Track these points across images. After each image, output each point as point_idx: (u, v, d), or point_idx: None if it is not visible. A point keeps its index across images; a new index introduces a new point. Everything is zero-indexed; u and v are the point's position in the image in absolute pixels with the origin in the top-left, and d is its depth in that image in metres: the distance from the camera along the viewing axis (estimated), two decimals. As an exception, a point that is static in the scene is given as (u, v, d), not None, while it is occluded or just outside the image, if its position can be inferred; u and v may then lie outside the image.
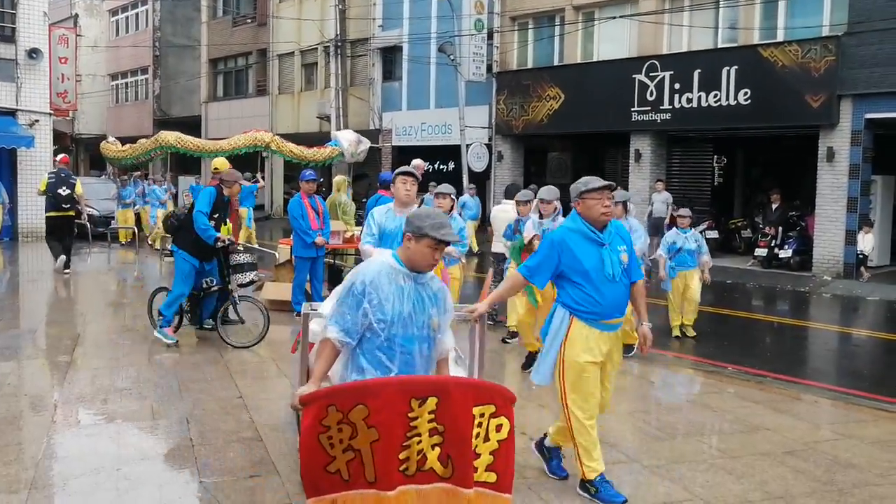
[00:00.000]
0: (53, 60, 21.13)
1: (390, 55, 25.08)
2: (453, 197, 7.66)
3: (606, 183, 4.40)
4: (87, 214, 19.00)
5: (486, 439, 3.16)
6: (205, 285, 8.16)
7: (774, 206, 16.33)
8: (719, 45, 16.74)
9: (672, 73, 16.96)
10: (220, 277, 8.14)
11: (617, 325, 4.37)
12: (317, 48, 27.55)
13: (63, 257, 13.23)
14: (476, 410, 3.12)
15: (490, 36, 20.79)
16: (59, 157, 14.98)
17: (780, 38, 15.66)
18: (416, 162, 14.15)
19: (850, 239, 14.77)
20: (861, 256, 14.66)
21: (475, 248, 16.87)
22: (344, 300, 3.37)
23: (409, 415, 3.04)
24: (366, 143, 13.82)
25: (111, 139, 14.92)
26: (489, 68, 20.82)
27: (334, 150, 13.58)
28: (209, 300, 8.31)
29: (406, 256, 3.40)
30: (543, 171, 21.97)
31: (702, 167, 20.24)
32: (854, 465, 4.98)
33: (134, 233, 17.97)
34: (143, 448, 5.02)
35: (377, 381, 3.17)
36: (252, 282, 8.20)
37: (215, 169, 8.99)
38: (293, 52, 29.06)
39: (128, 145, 14.19)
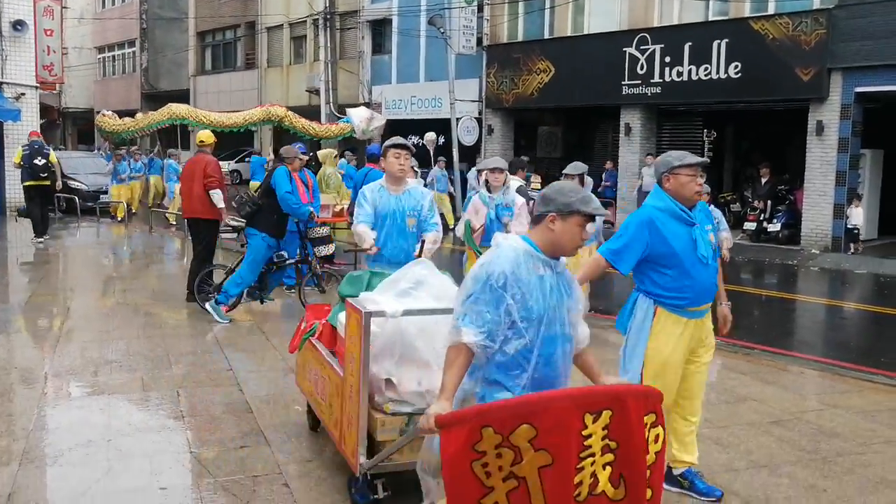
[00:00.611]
0: (38, 32, 20.80)
1: (380, 28, 24.84)
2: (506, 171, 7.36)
3: (702, 159, 4.05)
4: (75, 189, 18.97)
5: (646, 451, 2.78)
6: (276, 259, 8.25)
7: (764, 180, 16.38)
8: (710, 18, 16.65)
9: (662, 46, 16.88)
10: (295, 252, 8.61)
11: (706, 310, 4.00)
12: (306, 21, 27.25)
13: (39, 227, 13.41)
14: (646, 420, 2.76)
15: (480, 9, 20.60)
16: (30, 131, 15.17)
17: (770, 10, 15.59)
18: (430, 136, 14.15)
19: (839, 213, 14.85)
20: (855, 231, 14.75)
21: (451, 223, 16.86)
22: (479, 296, 2.81)
23: (583, 432, 2.63)
24: (379, 120, 13.71)
25: (108, 112, 14.79)
26: (479, 41, 20.66)
27: (346, 126, 13.54)
28: (276, 275, 8.42)
29: (548, 240, 2.89)
30: (534, 144, 21.91)
31: (692, 141, 20.18)
32: (838, 434, 5.06)
33: (128, 208, 17.89)
34: (134, 420, 5.04)
35: (545, 396, 2.69)
36: (332, 254, 8.65)
37: (200, 142, 8.92)
38: (282, 25, 28.74)
39: (127, 118, 14.03)
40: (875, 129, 15.30)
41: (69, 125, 42.03)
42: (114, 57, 38.76)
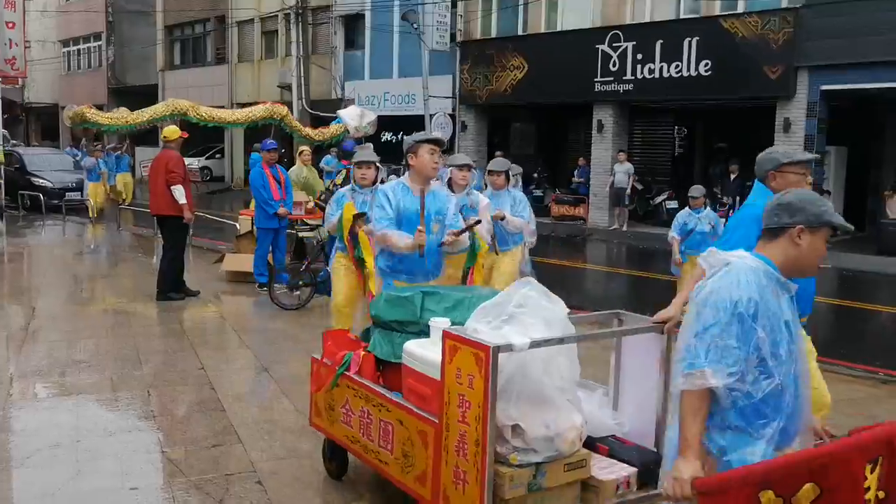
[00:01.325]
0: (0, 25, 20.39)
1: (353, 23, 24.70)
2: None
3: (812, 155, 3.77)
4: (40, 186, 18.65)
5: None
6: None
7: (733, 177, 16.60)
8: (681, 16, 16.82)
9: (635, 43, 17.02)
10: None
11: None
12: (277, 15, 27.00)
13: None
14: None
15: (454, 4, 20.59)
16: None
17: (740, 9, 15.79)
18: (438, 133, 14.07)
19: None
20: None
21: None
22: (725, 328, 2.32)
23: (865, 485, 2.30)
24: (370, 115, 13.56)
25: (88, 108, 14.13)
26: (453, 37, 20.65)
27: (339, 127, 13.46)
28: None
29: (792, 257, 2.45)
30: (507, 141, 21.97)
31: (663, 138, 20.45)
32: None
33: (97, 207, 17.63)
34: (103, 420, 4.97)
35: (829, 450, 2.33)
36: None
37: (164, 137, 8.82)
38: (253, 20, 28.44)
39: (122, 110, 13.54)
40: (839, 126, 15.58)
41: (33, 121, 41.25)
42: (79, 51, 38.08)
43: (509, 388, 3.06)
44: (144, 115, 12.78)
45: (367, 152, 6.21)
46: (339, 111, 14.27)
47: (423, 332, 3.58)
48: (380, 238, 4.59)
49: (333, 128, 13.47)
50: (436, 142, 4.66)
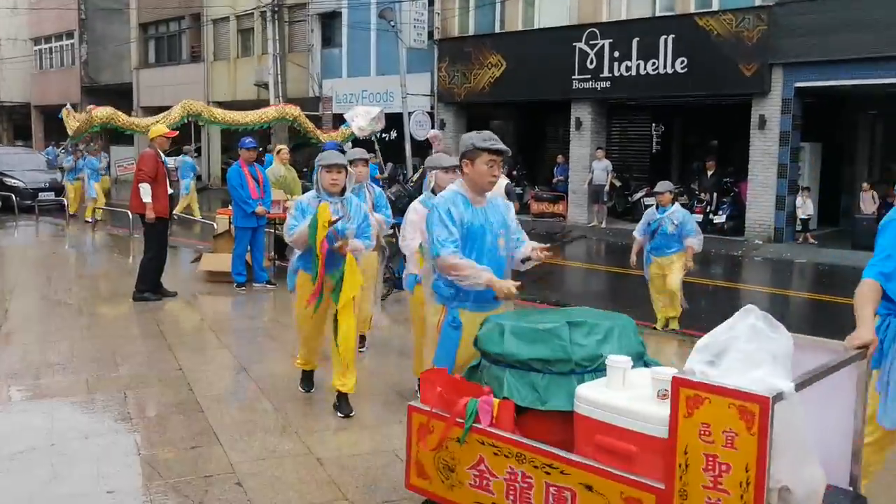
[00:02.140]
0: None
1: (329, 21, 24.57)
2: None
3: None
4: (12, 187, 18.36)
5: None
6: None
7: (709, 173, 16.74)
8: (657, 14, 16.92)
9: (611, 41, 17.09)
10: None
11: None
12: (253, 13, 26.77)
13: None
14: None
15: (431, 2, 20.55)
16: None
17: (714, 6, 15.91)
18: (434, 132, 13.97)
19: (781, 204, 15.27)
20: (805, 219, 15.22)
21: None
22: None
23: None
24: (373, 111, 13.40)
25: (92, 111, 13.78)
26: (430, 35, 20.62)
27: (346, 130, 13.47)
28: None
29: None
30: (485, 139, 21.96)
31: (640, 135, 20.57)
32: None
33: (63, 205, 17.40)
34: (79, 423, 4.90)
35: None
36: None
37: (152, 139, 8.71)
38: (228, 17, 28.19)
39: (161, 115, 13.37)
40: (814, 122, 15.76)
41: (4, 120, 40.61)
42: (51, 49, 37.53)
43: (780, 442, 2.55)
44: (166, 119, 12.69)
45: (334, 154, 5.30)
46: (346, 113, 14.22)
47: (575, 372, 3.10)
48: (446, 266, 3.65)
49: (341, 131, 13.51)
50: (498, 152, 3.78)
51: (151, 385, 5.66)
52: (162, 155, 8.64)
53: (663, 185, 7.65)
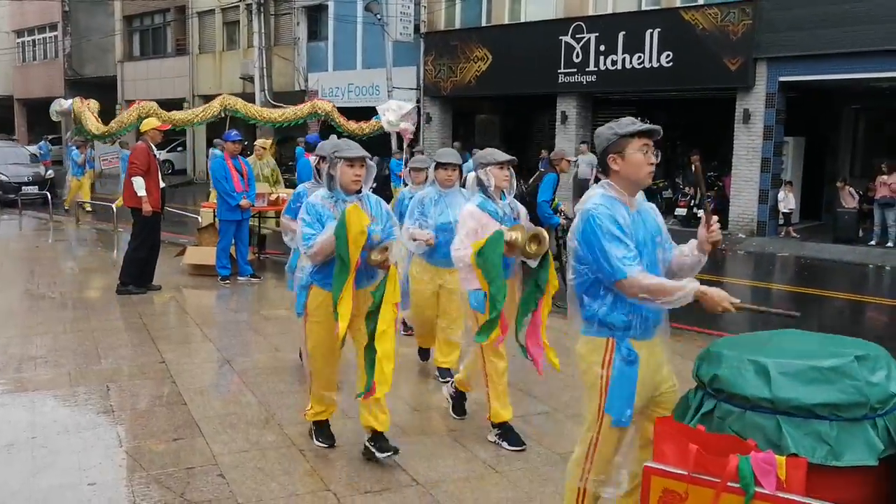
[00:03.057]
0: (-50, 14, 19.82)
1: (315, 14, 24.48)
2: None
3: None
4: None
5: None
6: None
7: (694, 167, 16.81)
8: (643, 8, 16.96)
9: (597, 34, 17.13)
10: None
11: None
12: (238, 5, 26.65)
13: None
14: None
15: (417, -5, 20.54)
16: None
17: (700, 1, 15.98)
18: (405, 126, 13.98)
19: (764, 198, 15.38)
20: (787, 213, 15.33)
21: None
22: None
23: None
24: (406, 107, 13.42)
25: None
26: (417, 28, 20.58)
27: (376, 123, 13.55)
28: None
29: None
30: (472, 133, 21.99)
31: (626, 129, 20.60)
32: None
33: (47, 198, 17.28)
34: (61, 416, 4.88)
35: None
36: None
37: (144, 131, 8.68)
38: (214, 10, 28.02)
39: (200, 108, 13.40)
40: (797, 117, 15.87)
41: (-13, 113, 40.19)
42: (34, 41, 37.15)
43: None
44: (204, 113, 12.79)
45: (355, 144, 4.28)
46: (378, 107, 14.29)
47: (868, 417, 2.57)
48: (639, 288, 2.90)
49: (371, 123, 13.59)
50: (649, 133, 3.08)
51: (134, 378, 5.65)
52: (154, 148, 8.59)
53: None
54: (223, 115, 13.07)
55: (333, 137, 5.31)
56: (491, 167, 4.53)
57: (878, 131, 17.31)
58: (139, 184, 8.27)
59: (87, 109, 12.71)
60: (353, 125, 13.51)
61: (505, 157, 4.58)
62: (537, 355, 4.21)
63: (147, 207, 8.35)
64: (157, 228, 8.72)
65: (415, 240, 5.23)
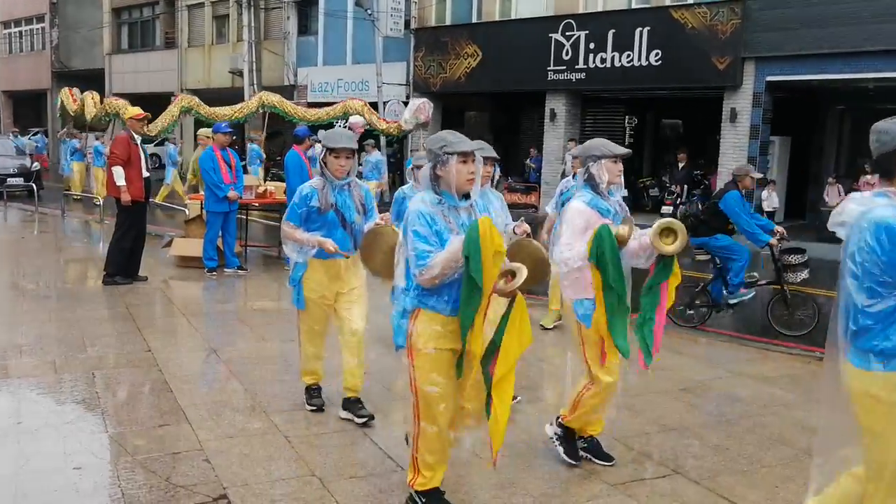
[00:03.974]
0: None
1: (305, 8, 24.43)
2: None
3: None
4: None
5: None
6: (748, 279, 7.64)
7: (681, 165, 16.94)
8: (633, 6, 17.05)
9: (587, 32, 17.20)
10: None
11: None
12: (228, -1, 26.59)
13: None
14: None
15: (407, -9, 20.54)
16: None
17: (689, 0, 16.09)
18: (355, 119, 14.08)
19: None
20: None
21: None
22: None
23: None
24: (417, 101, 13.74)
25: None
26: (407, 24, 20.59)
27: (399, 123, 14.02)
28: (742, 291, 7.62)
29: None
30: (461, 129, 21.99)
31: (614, 127, 20.71)
32: (741, 399, 5.35)
33: (32, 190, 17.21)
34: (46, 403, 4.88)
35: None
36: (804, 280, 7.75)
37: (126, 120, 8.68)
38: (203, 3, 27.93)
39: (239, 105, 13.60)
40: (783, 117, 16.01)
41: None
42: (21, 33, 36.88)
43: None
44: (242, 110, 13.04)
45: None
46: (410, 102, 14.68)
47: None
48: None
49: (396, 122, 13.93)
50: None
51: (120, 366, 5.65)
52: (137, 138, 8.57)
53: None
54: (261, 112, 13.42)
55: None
56: (605, 160, 4.03)
57: (863, 132, 17.35)
58: (118, 173, 8.30)
59: (101, 104, 13.02)
60: (385, 124, 13.89)
61: (620, 149, 4.11)
62: (654, 349, 3.92)
63: (126, 197, 8.33)
64: (140, 219, 8.68)
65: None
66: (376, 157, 16.41)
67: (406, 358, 3.37)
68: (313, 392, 4.90)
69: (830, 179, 15.29)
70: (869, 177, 14.18)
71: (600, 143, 4.10)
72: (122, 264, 8.55)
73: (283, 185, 10.50)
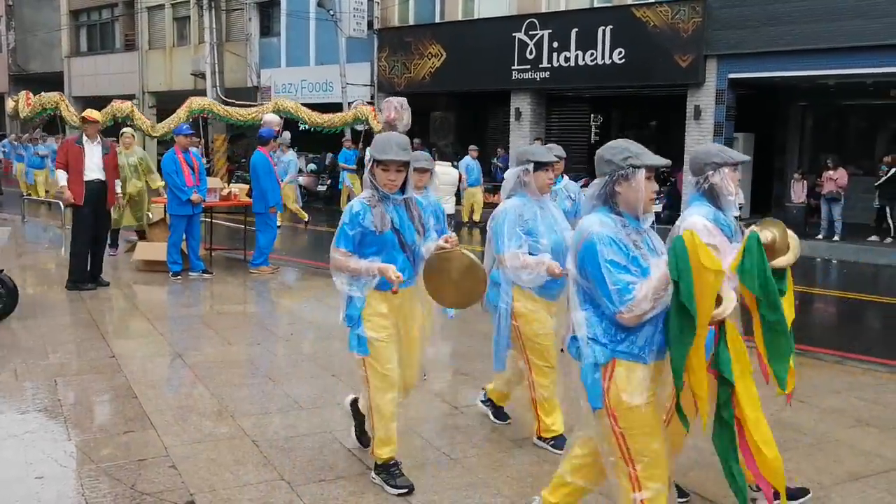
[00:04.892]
0: None
1: (267, 9, 24.21)
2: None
3: None
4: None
5: None
6: None
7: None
8: (595, 5, 17.17)
9: (551, 31, 17.28)
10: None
11: None
12: (189, 1, 26.21)
13: None
14: None
15: (370, -9, 20.46)
16: None
17: (651, -2, 16.25)
18: (269, 117, 14.01)
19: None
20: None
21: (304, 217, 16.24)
22: None
23: None
24: (390, 103, 13.85)
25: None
26: (370, 24, 20.51)
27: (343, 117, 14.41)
28: None
29: None
30: (427, 130, 21.98)
31: (579, 126, 20.85)
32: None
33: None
34: (7, 411, 4.74)
35: None
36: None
37: (84, 119, 8.54)
38: (163, 5, 27.52)
39: (233, 108, 13.95)
40: (747, 113, 16.25)
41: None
42: (-23, 36, 36.02)
43: None
44: (252, 112, 13.21)
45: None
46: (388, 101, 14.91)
47: None
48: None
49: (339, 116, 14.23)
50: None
51: (83, 373, 5.52)
52: (85, 141, 8.37)
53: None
54: (279, 116, 13.73)
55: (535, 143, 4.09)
56: (727, 168, 3.54)
57: (825, 128, 17.83)
58: (61, 176, 8.28)
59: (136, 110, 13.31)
60: (323, 117, 13.97)
61: (741, 156, 3.63)
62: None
63: (64, 198, 8.35)
64: (93, 223, 8.43)
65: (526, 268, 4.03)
66: (290, 156, 16.27)
67: (607, 420, 2.82)
68: (393, 470, 3.79)
69: (797, 175, 15.55)
70: (832, 172, 14.47)
71: (719, 149, 3.61)
72: (83, 269, 8.39)
73: (248, 187, 10.39)
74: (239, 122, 14.52)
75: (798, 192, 15.24)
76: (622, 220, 2.87)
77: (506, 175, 4.35)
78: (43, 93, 14.81)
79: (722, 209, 3.57)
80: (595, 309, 2.82)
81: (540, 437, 4.36)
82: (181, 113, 12.87)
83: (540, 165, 4.12)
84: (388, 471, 3.80)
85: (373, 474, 3.87)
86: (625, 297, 2.70)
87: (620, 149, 2.90)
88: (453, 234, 3.94)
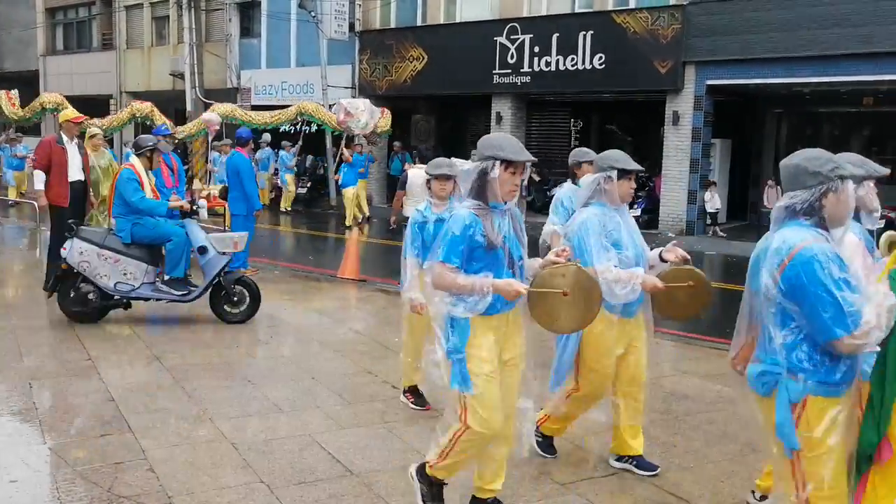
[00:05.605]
0: None
1: (248, 10, 24.09)
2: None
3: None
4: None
5: None
6: None
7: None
8: (576, 10, 17.28)
9: (532, 36, 17.37)
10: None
11: None
12: (168, 0, 26.01)
13: None
14: None
15: (352, -7, 20.43)
16: None
17: (631, 4, 16.37)
18: (208, 117, 13.93)
19: (692, 198, 15.87)
20: (714, 213, 15.82)
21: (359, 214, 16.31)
22: None
23: None
24: (359, 108, 14.30)
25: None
26: (352, 27, 20.47)
27: (289, 113, 14.57)
28: None
29: None
30: (408, 133, 21.98)
31: (560, 130, 20.97)
32: (688, 396, 5.45)
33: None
34: (-21, 415, 4.68)
35: None
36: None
37: (61, 123, 8.41)
38: (142, 4, 27.27)
39: (255, 111, 14.22)
40: (724, 120, 16.43)
41: None
42: (-50, 33, 35.46)
43: None
44: (279, 117, 13.41)
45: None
46: (343, 101, 15.01)
47: None
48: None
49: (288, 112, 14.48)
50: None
51: (59, 375, 5.46)
52: (66, 141, 8.28)
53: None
54: (298, 120, 13.92)
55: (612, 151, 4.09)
56: (867, 182, 3.27)
57: (799, 134, 18.06)
58: (38, 177, 8.17)
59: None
60: (265, 116, 14.14)
61: (881, 168, 3.30)
62: None
63: (41, 201, 8.25)
64: (62, 224, 8.36)
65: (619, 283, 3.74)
66: (267, 153, 16.46)
67: (794, 456, 2.64)
68: (437, 491, 3.50)
69: (770, 182, 15.75)
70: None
71: (858, 160, 3.26)
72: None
73: (222, 186, 10.34)
74: (261, 127, 14.91)
75: (772, 199, 15.44)
76: (827, 235, 2.63)
77: (582, 181, 4.07)
78: (44, 93, 14.56)
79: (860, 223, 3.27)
80: (797, 333, 2.59)
81: (540, 435, 4.35)
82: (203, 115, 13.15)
83: (624, 173, 3.87)
84: (433, 488, 3.45)
85: (413, 470, 3.49)
86: (847, 325, 2.45)
87: (825, 159, 2.68)
88: (567, 242, 3.64)
